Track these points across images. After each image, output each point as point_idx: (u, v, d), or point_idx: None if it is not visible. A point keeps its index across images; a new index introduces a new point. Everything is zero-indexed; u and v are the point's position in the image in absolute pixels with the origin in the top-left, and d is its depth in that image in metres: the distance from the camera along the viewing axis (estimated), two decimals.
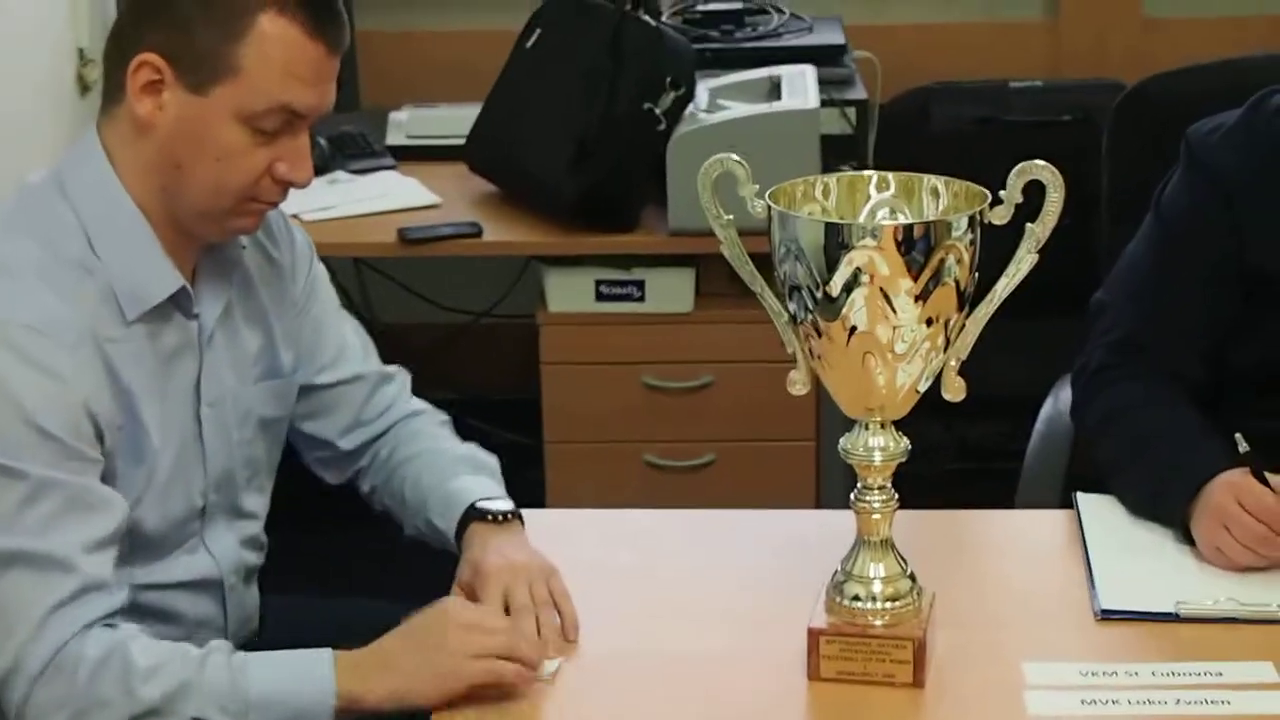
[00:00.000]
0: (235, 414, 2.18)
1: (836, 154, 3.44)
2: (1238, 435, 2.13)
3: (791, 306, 1.89)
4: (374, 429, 2.34)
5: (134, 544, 2.06)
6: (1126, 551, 2.16)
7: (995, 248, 1.89)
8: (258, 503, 2.25)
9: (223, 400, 2.16)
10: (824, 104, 3.50)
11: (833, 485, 3.46)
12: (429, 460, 2.29)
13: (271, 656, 1.98)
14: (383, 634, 2.00)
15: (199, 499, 2.14)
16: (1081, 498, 2.27)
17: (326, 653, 1.96)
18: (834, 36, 3.83)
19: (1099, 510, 2.24)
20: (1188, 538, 2.15)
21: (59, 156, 2.60)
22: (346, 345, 2.32)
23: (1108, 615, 2.03)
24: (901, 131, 3.95)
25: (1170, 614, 2.01)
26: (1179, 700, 1.87)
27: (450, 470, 2.27)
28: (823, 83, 3.56)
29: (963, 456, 3.46)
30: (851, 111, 3.58)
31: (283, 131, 2.01)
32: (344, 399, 2.32)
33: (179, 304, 2.08)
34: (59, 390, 1.94)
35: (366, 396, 2.33)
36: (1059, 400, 2.66)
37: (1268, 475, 2.10)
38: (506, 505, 2.20)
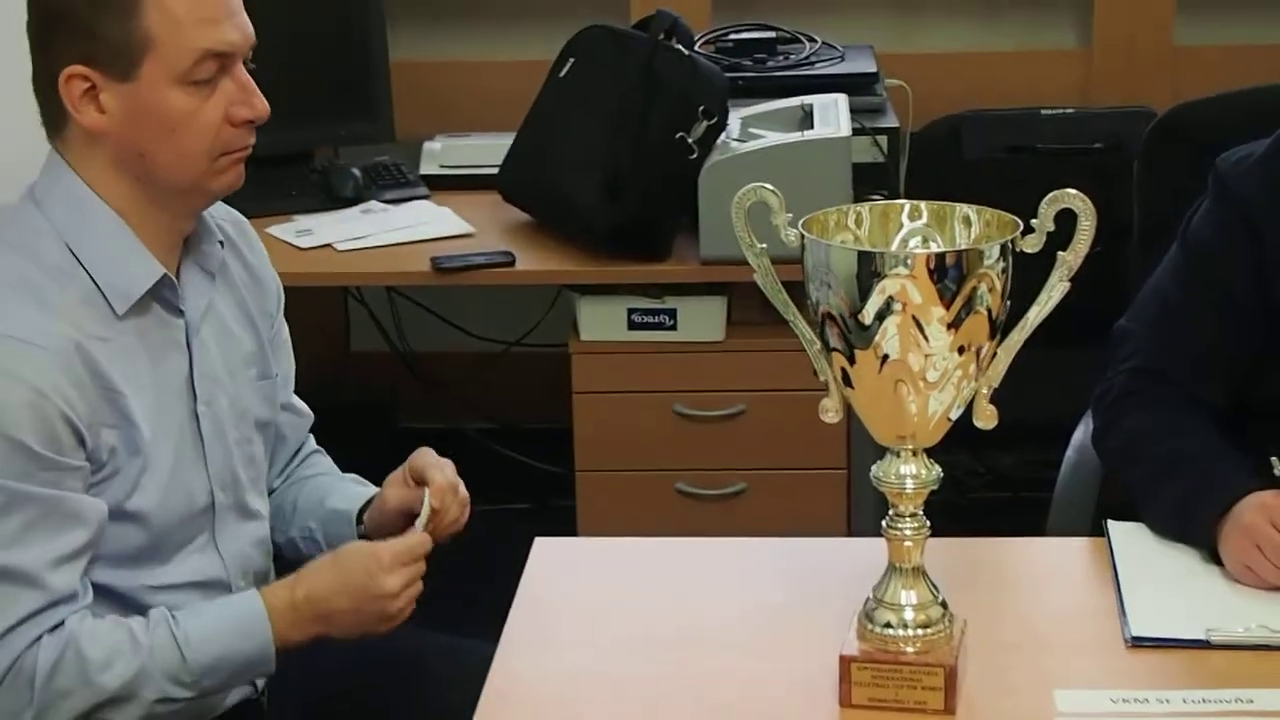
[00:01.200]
0: (232, 413, 2.22)
1: (868, 182, 3.44)
2: (1273, 459, 2.15)
3: (824, 335, 1.89)
4: (291, 454, 2.44)
5: (142, 544, 2.11)
6: (1157, 579, 2.16)
7: (1026, 276, 1.89)
8: (261, 505, 2.29)
9: (217, 398, 2.19)
10: (856, 132, 3.50)
11: (864, 513, 3.46)
12: (329, 479, 2.42)
13: (209, 619, 2.09)
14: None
15: (204, 497, 2.17)
16: (1112, 525, 2.27)
17: (259, 609, 2.09)
18: (866, 65, 3.84)
19: (1130, 537, 2.24)
20: (1215, 558, 2.15)
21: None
22: (291, 373, 2.39)
23: (1138, 642, 2.03)
24: (933, 159, 3.95)
25: (1201, 640, 2.01)
26: (1215, 714, 1.88)
27: (348, 484, 2.40)
28: (854, 111, 3.57)
29: (994, 485, 3.45)
30: (883, 140, 3.59)
31: (219, 77, 2.05)
32: (286, 424, 2.38)
33: (164, 301, 2.12)
34: (34, 400, 1.97)
35: (296, 426, 2.42)
36: (1089, 428, 2.64)
37: None
38: None
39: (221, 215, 2.25)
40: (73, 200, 2.08)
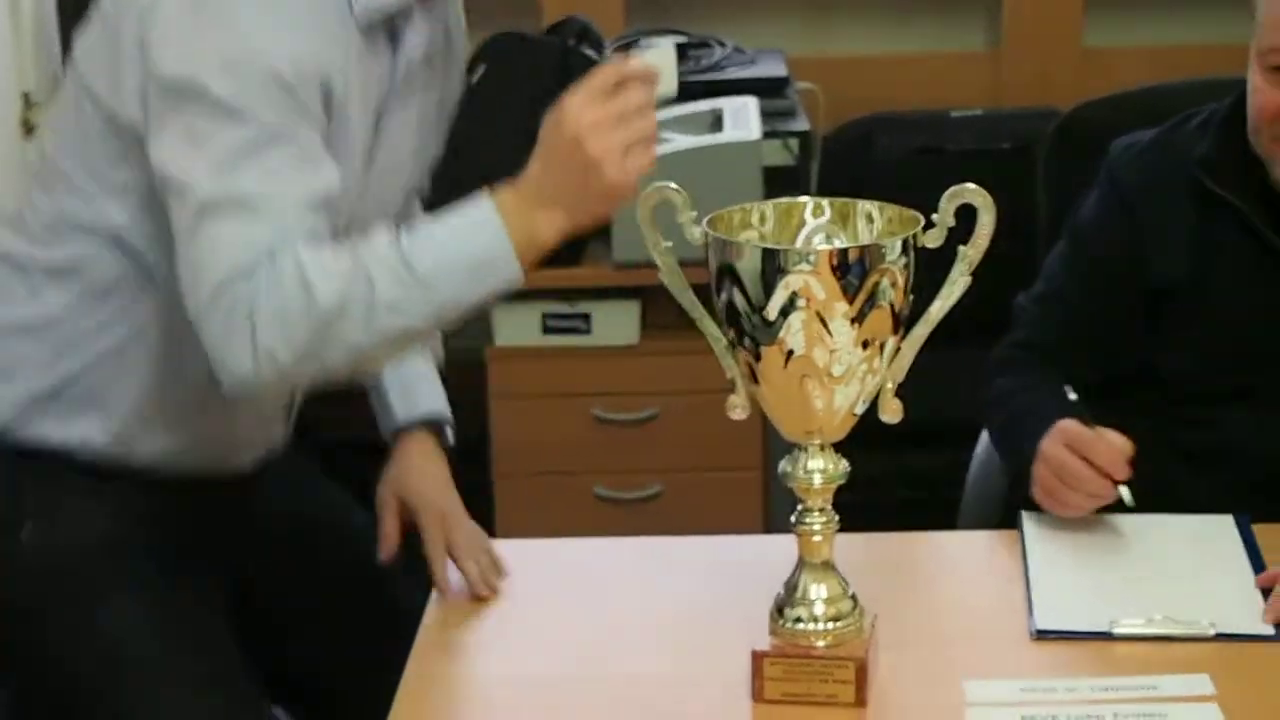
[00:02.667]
0: (395, 166, 2.18)
1: (780, 185, 3.44)
2: (1066, 387, 2.21)
3: (731, 332, 1.90)
4: None
5: None
6: (1065, 570, 2.18)
7: (937, 273, 1.91)
8: None
9: (392, 151, 2.15)
10: (766, 135, 3.53)
11: (780, 513, 3.46)
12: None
13: (431, 224, 1.96)
14: None
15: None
16: (1026, 516, 2.29)
17: (485, 200, 1.94)
18: (776, 69, 3.85)
19: (1041, 529, 2.26)
20: (1123, 547, 2.20)
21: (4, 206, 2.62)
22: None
23: (1044, 635, 2.04)
24: (844, 162, 3.96)
25: (1105, 633, 2.03)
26: (1116, 714, 1.88)
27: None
28: (765, 114, 3.60)
29: (909, 484, 3.48)
30: (794, 142, 3.60)
31: None
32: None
33: (391, 30, 2.06)
34: (306, 50, 1.94)
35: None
36: None
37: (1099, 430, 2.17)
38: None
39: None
40: None
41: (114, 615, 2.10)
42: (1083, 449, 2.15)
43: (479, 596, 2.17)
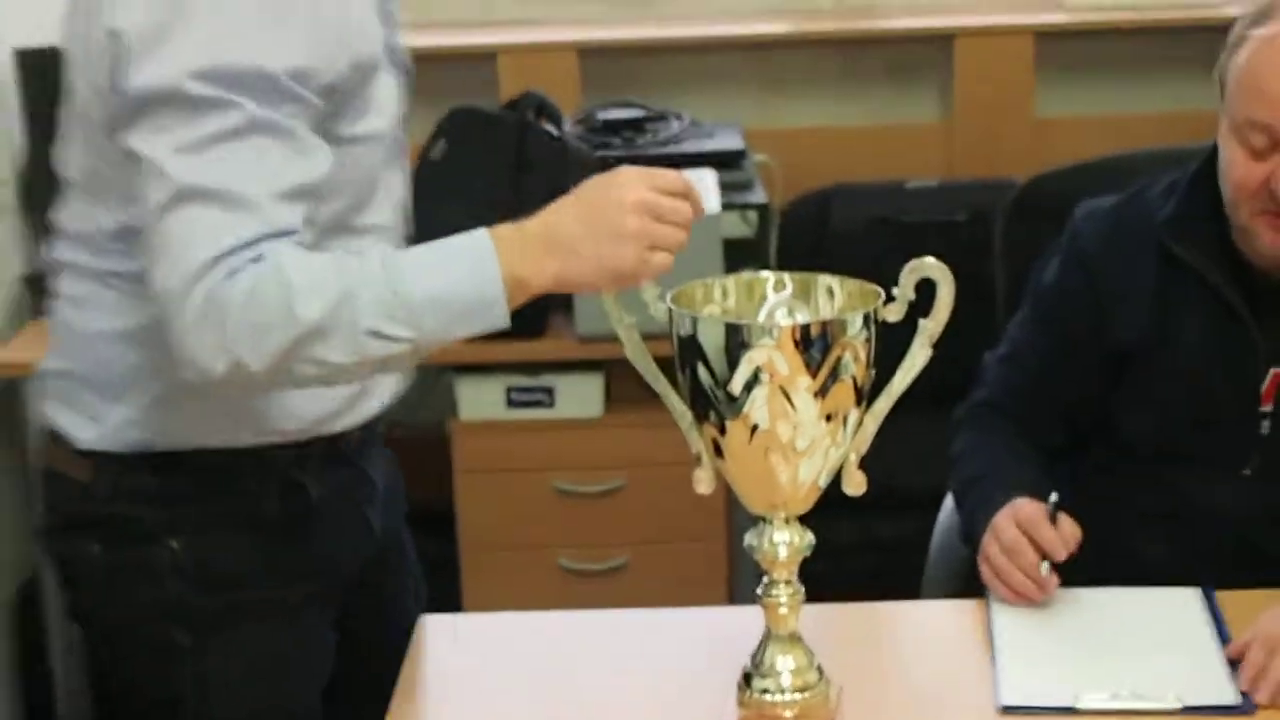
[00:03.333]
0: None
1: (739, 257, 3.45)
2: (1054, 495, 2.20)
3: (695, 407, 1.91)
4: None
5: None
6: (1032, 642, 2.16)
7: (898, 344, 1.93)
8: None
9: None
10: (725, 207, 3.54)
11: (745, 583, 3.49)
12: None
13: (426, 251, 1.93)
14: None
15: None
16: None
17: (481, 235, 1.92)
18: (733, 141, 3.87)
19: (1008, 603, 2.24)
20: (1090, 621, 2.19)
21: None
22: None
23: (1010, 710, 2.03)
24: (802, 233, 3.98)
25: (1070, 708, 2.02)
26: None
27: None
28: (724, 186, 3.60)
29: (874, 552, 3.49)
30: (752, 214, 3.62)
31: None
32: None
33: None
34: (289, 36, 1.90)
35: None
36: None
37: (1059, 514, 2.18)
38: None
39: None
40: None
41: (223, 658, 2.09)
42: (1029, 528, 2.16)
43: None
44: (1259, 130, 2.22)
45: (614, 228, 1.90)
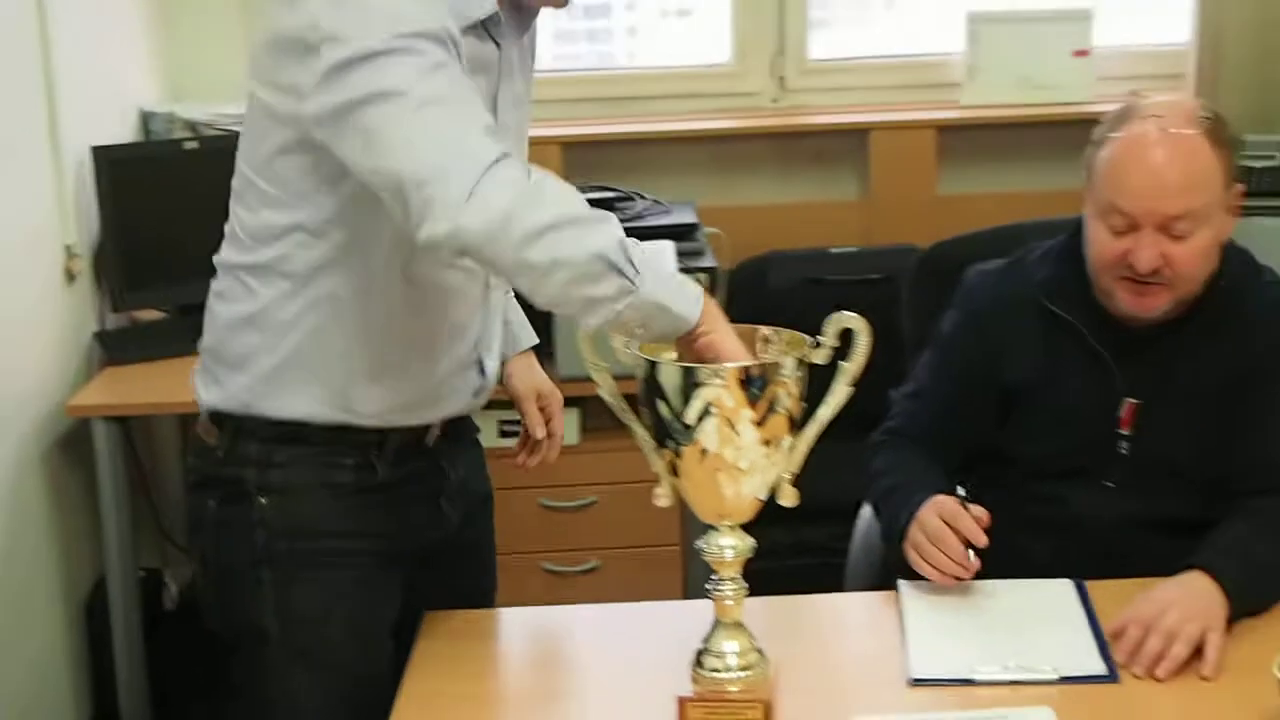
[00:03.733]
0: (513, 137, 2.16)
1: None
2: (960, 490, 2.22)
3: (656, 435, 1.92)
4: None
5: None
6: (935, 627, 2.17)
7: (823, 382, 1.94)
8: None
9: (507, 126, 2.13)
10: (681, 270, 3.50)
11: (697, 581, 3.46)
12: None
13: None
14: None
15: None
16: (902, 584, 2.28)
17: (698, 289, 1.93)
18: (688, 217, 3.86)
19: (916, 593, 2.26)
20: (983, 607, 2.19)
21: (49, 340, 2.57)
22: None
23: (918, 682, 2.05)
24: (746, 291, 3.98)
25: (967, 679, 2.04)
26: None
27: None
28: (680, 254, 3.60)
29: (803, 554, 3.48)
30: (704, 277, 3.58)
31: None
32: None
33: (490, 32, 2.06)
34: (437, 16, 1.92)
35: None
36: None
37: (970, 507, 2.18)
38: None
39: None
40: None
41: (305, 589, 2.13)
42: (951, 519, 2.18)
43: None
44: (1119, 214, 2.24)
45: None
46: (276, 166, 2.04)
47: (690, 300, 1.89)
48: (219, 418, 2.15)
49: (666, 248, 3.59)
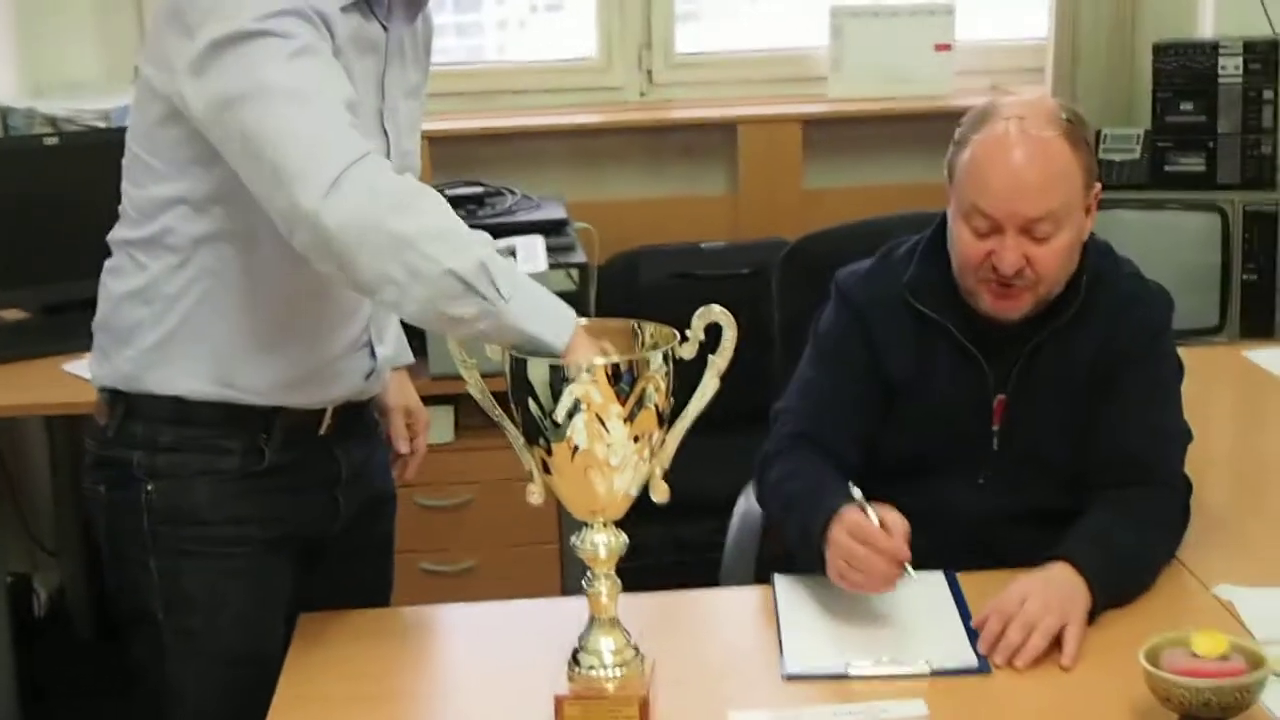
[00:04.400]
0: (404, 124, 2.18)
1: None
2: (850, 483, 2.18)
3: (527, 433, 1.91)
4: None
5: None
6: (809, 622, 2.17)
7: (692, 377, 1.92)
8: None
9: (396, 109, 2.15)
10: (552, 266, 3.52)
11: (574, 578, 3.46)
12: None
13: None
14: None
15: None
16: (778, 578, 2.28)
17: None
18: (557, 212, 3.86)
19: (791, 587, 2.25)
20: (860, 601, 2.17)
21: None
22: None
23: (793, 677, 2.04)
24: (617, 287, 3.99)
25: (841, 674, 2.04)
26: None
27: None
28: (550, 249, 3.59)
29: (679, 551, 3.49)
30: (575, 272, 3.60)
31: None
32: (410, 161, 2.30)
33: (375, 11, 2.07)
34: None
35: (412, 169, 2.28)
36: (749, 499, 2.67)
37: (871, 506, 2.14)
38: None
39: None
40: None
41: (192, 575, 2.13)
42: (866, 539, 2.10)
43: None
44: (982, 216, 2.25)
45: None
46: (156, 138, 2.06)
47: (558, 328, 1.89)
48: (111, 397, 2.15)
49: (536, 243, 3.58)
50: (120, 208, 2.15)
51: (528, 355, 1.88)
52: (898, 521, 2.11)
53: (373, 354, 2.25)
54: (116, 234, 2.16)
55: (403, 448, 2.44)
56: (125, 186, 2.13)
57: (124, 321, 2.14)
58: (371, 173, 1.88)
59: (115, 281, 2.15)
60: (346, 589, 2.31)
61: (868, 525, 2.11)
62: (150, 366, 2.12)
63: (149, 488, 2.13)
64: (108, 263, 2.17)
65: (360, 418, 2.30)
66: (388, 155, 2.11)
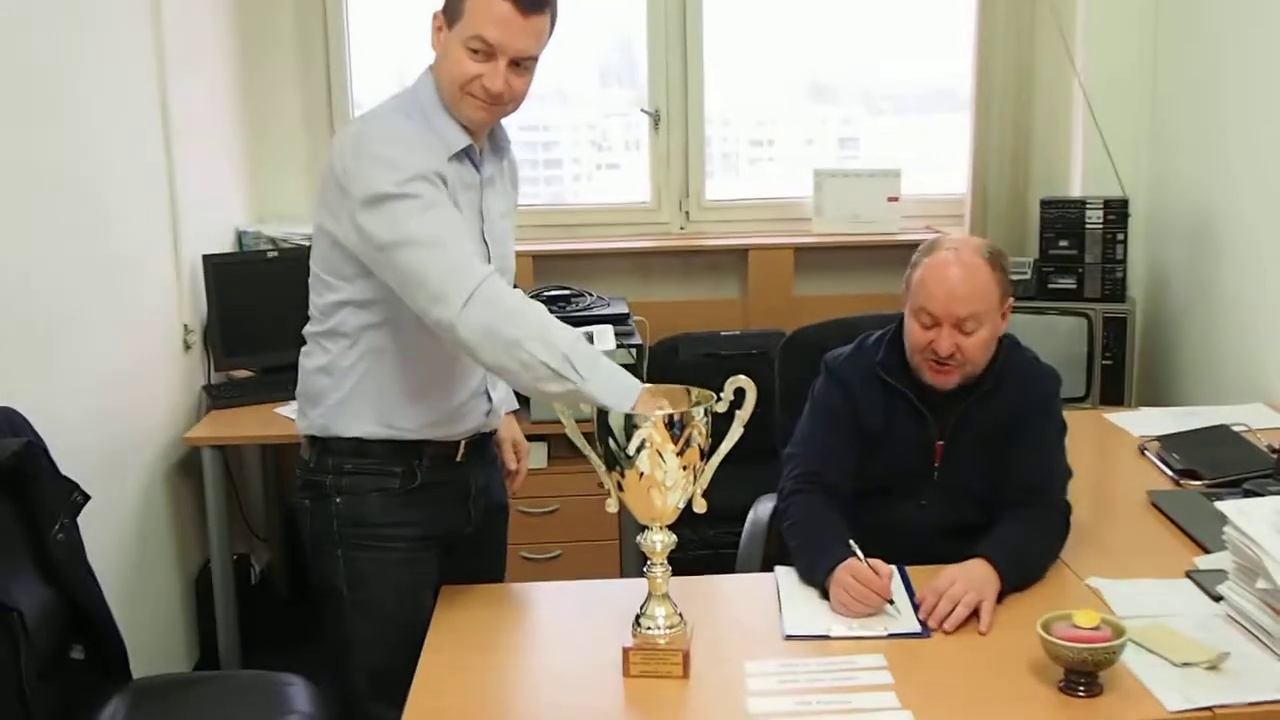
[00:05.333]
0: (500, 236, 2.16)
1: None
2: (851, 542, 2.15)
3: (606, 461, 1.91)
4: None
5: None
6: (802, 600, 2.15)
7: (723, 424, 1.93)
8: None
9: (494, 226, 2.14)
10: (617, 346, 3.53)
11: (629, 565, 3.46)
12: None
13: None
14: None
15: None
16: (779, 568, 2.26)
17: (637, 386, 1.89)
18: (621, 308, 3.86)
19: (788, 576, 2.23)
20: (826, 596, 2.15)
21: (171, 390, 2.53)
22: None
23: (791, 637, 2.03)
24: (663, 362, 3.95)
25: (825, 635, 2.03)
26: (831, 672, 1.91)
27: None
28: (616, 335, 3.59)
29: (704, 546, 3.46)
30: (633, 351, 3.59)
31: (485, 56, 1.99)
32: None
33: (470, 158, 2.06)
34: (427, 160, 1.95)
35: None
36: (757, 512, 2.67)
37: (870, 560, 2.11)
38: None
39: (511, 135, 2.20)
40: (428, 92, 2.05)
41: (367, 563, 2.11)
42: (864, 581, 2.07)
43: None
44: (927, 314, 2.26)
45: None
46: (330, 260, 2.06)
47: (623, 398, 1.88)
48: (310, 440, 2.16)
49: (607, 330, 3.59)
50: (309, 312, 2.16)
51: (607, 410, 1.89)
52: (884, 568, 2.09)
53: (489, 398, 2.24)
54: (307, 330, 2.16)
55: (512, 467, 2.42)
56: (311, 296, 2.14)
57: (315, 388, 2.13)
58: (492, 292, 1.89)
59: (308, 360, 2.15)
60: (472, 571, 2.29)
61: (865, 570, 2.08)
62: (335, 418, 2.11)
63: (338, 500, 2.12)
64: (303, 349, 2.17)
65: (484, 448, 2.29)
66: (488, 260, 2.10)
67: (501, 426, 2.37)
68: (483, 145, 2.11)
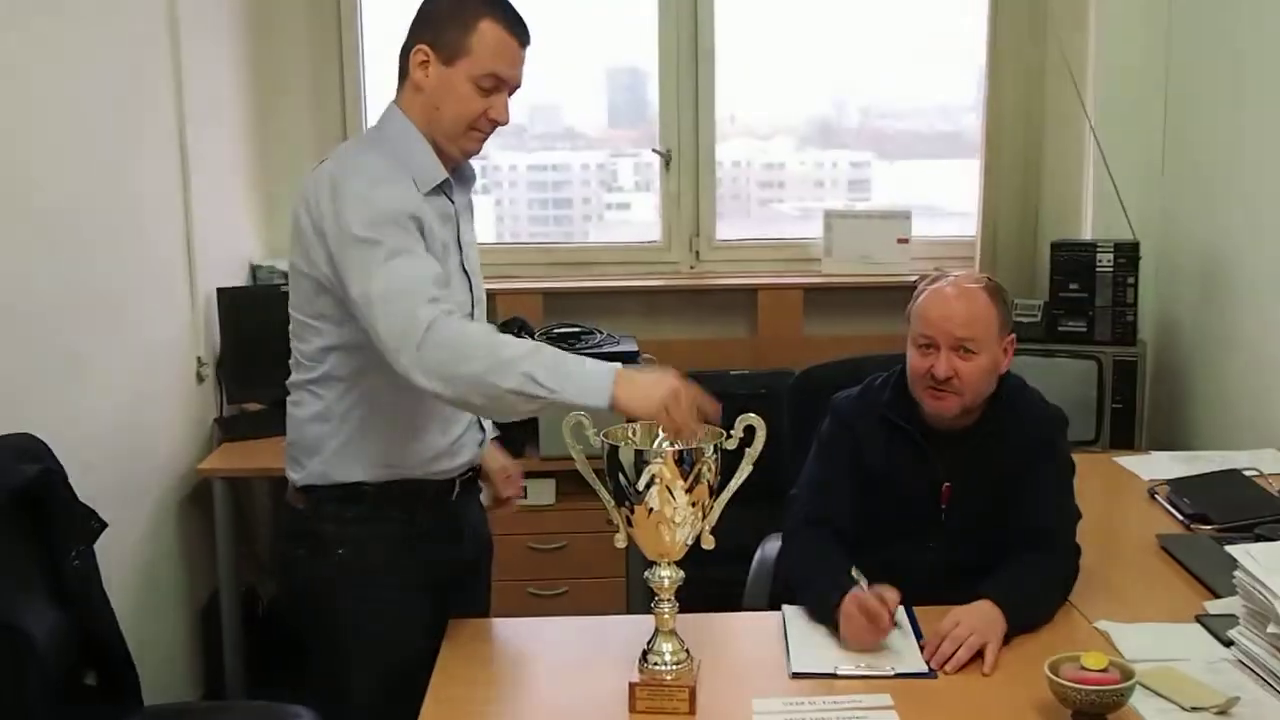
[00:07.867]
0: (474, 267, 2.16)
1: None
2: (853, 569, 2.16)
3: (615, 497, 1.91)
4: None
5: None
6: (808, 638, 2.15)
7: (733, 461, 1.94)
8: None
9: (470, 257, 2.14)
10: None
11: (636, 602, 3.47)
12: None
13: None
14: None
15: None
16: (785, 607, 2.26)
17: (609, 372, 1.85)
18: (631, 346, 3.86)
19: (795, 615, 2.23)
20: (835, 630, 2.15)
21: (184, 422, 2.54)
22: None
23: (797, 675, 2.03)
24: None
25: (832, 673, 2.02)
26: (837, 710, 1.90)
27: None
28: None
29: (711, 585, 3.45)
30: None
31: (493, 90, 2.01)
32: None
33: (445, 191, 2.06)
34: (400, 199, 1.94)
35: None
36: (765, 551, 2.67)
37: (875, 588, 2.12)
38: None
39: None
40: (402, 128, 2.05)
41: (372, 604, 2.09)
42: (868, 611, 2.08)
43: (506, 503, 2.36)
44: (925, 337, 2.27)
45: (663, 396, 1.87)
46: (314, 305, 2.05)
47: (598, 394, 1.86)
48: (306, 489, 2.13)
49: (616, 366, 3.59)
50: (291, 361, 2.13)
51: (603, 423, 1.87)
52: (891, 597, 2.09)
53: (481, 427, 2.24)
54: (294, 379, 2.12)
55: (505, 493, 2.35)
56: (294, 344, 2.11)
57: (311, 437, 2.10)
58: (438, 336, 1.88)
59: (298, 410, 2.12)
60: (460, 605, 2.28)
61: (872, 602, 2.08)
62: (337, 465, 2.10)
63: (340, 551, 2.10)
64: (289, 399, 2.13)
65: (473, 484, 2.28)
66: (470, 291, 2.11)
67: (485, 459, 2.34)
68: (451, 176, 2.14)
